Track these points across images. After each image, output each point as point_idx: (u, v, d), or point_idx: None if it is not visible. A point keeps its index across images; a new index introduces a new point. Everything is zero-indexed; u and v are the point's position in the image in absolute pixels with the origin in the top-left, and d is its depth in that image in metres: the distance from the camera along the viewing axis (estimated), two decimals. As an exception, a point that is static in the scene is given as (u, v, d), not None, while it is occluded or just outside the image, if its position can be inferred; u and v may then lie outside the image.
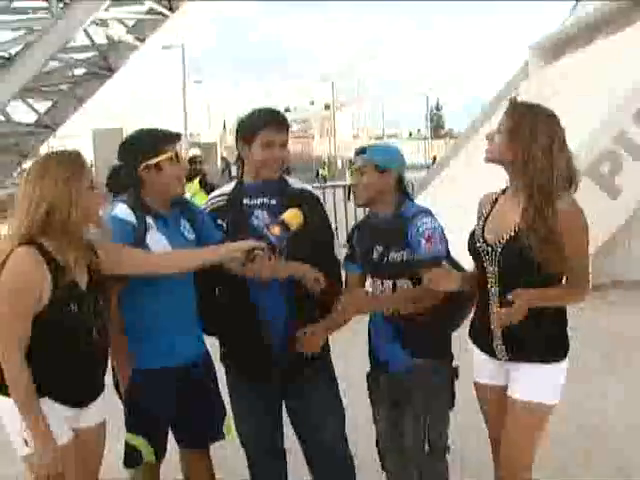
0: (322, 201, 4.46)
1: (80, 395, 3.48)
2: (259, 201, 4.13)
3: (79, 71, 31.19)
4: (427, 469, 3.94)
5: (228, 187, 4.33)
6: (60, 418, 3.38)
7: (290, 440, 4.49)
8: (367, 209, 4.23)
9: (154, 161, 3.83)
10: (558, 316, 3.68)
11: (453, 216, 4.20)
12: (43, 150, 35.95)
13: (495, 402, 3.78)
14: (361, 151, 4.14)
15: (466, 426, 4.06)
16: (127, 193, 3.95)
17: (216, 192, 4.40)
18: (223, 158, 47.70)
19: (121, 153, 3.98)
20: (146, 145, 3.89)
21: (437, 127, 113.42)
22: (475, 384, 3.90)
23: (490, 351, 3.72)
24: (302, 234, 3.84)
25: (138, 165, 3.85)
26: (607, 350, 8.22)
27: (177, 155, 3.90)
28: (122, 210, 3.83)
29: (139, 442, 3.92)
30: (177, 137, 3.99)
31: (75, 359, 3.39)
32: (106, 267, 3.54)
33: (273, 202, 4.11)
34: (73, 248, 3.36)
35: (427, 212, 3.98)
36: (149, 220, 3.86)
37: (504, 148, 3.58)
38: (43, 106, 32.30)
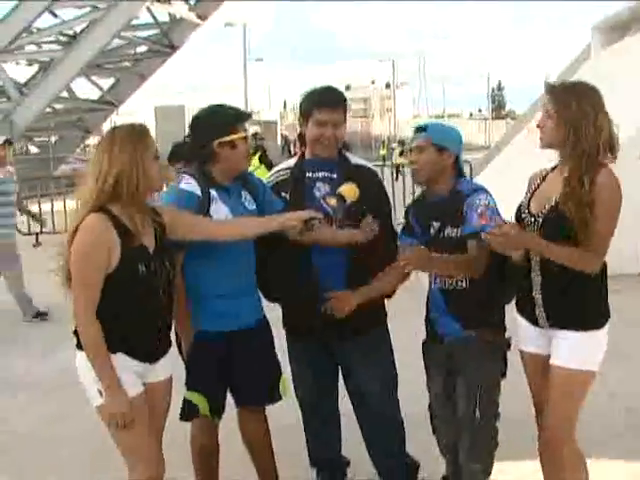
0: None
1: (150, 351, 3.69)
2: (321, 174, 4.33)
3: (141, 49, 31.58)
4: (478, 434, 4.06)
5: (291, 162, 4.54)
6: (132, 372, 3.59)
7: (345, 405, 4.67)
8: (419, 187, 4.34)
9: (229, 138, 4.05)
10: (598, 284, 3.78)
11: (508, 196, 4.30)
12: (106, 126, 36.50)
13: (539, 369, 3.90)
14: (421, 129, 4.23)
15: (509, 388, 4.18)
16: (193, 166, 4.18)
17: (280, 166, 4.63)
18: (283, 136, 47.92)
19: (194, 127, 4.20)
20: (222, 122, 4.11)
21: (498, 107, 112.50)
22: (520, 352, 4.02)
23: (533, 319, 3.85)
24: (360, 206, 4.04)
25: (212, 141, 4.06)
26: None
27: (247, 134, 4.16)
28: (188, 182, 4.05)
29: (195, 397, 4.12)
30: (248, 116, 4.30)
31: (143, 317, 3.59)
32: (171, 232, 3.74)
33: (334, 176, 4.29)
34: (140, 214, 3.58)
35: (483, 189, 4.09)
36: (213, 192, 4.07)
37: (555, 132, 3.70)
38: (106, 83, 32.76)
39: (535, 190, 3.89)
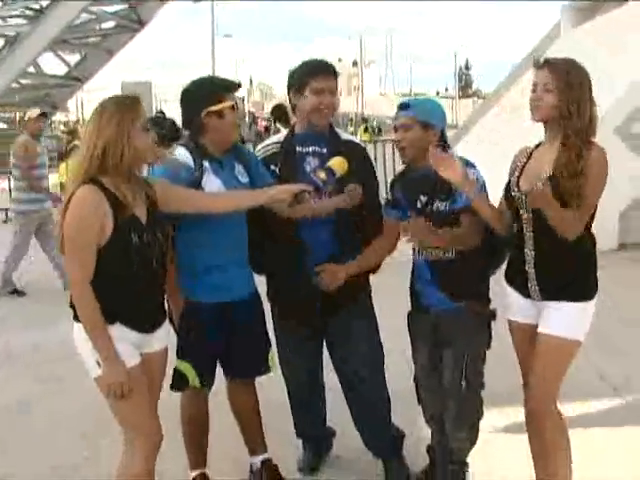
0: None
1: (147, 322, 3.70)
2: (311, 149, 4.35)
3: (109, 24, 31.26)
4: (464, 404, 4.14)
5: (280, 136, 4.58)
6: (129, 342, 3.61)
7: (331, 379, 4.73)
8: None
9: (216, 108, 4.07)
10: (588, 258, 3.89)
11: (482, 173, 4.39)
12: (72, 103, 36.17)
13: (527, 339, 3.98)
14: (404, 106, 4.25)
15: (493, 359, 4.27)
16: (185, 138, 4.21)
17: (269, 140, 4.67)
18: (250, 112, 47.77)
19: (183, 100, 4.22)
20: (209, 92, 4.14)
21: (465, 86, 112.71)
22: (509, 322, 4.10)
23: (524, 291, 3.94)
24: (349, 180, 4.08)
25: (201, 111, 4.08)
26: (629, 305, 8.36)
27: (236, 104, 4.17)
28: (182, 154, 4.07)
29: (185, 367, 4.17)
30: (237, 86, 4.27)
31: (138, 287, 3.61)
32: (163, 205, 3.76)
33: (324, 150, 4.32)
34: (129, 184, 3.59)
35: (471, 164, 4.13)
36: (205, 164, 4.10)
37: (554, 106, 3.75)
38: (73, 59, 32.40)
39: (522, 167, 3.95)
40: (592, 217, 3.80)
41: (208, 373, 4.27)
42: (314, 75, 4.26)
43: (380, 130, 45.29)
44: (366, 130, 32.46)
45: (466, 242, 4.09)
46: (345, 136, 4.55)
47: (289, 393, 4.73)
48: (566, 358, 3.89)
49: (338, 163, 4.03)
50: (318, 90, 4.25)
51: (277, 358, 4.52)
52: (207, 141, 4.13)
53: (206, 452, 4.45)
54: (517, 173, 3.95)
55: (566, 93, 3.71)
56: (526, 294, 3.93)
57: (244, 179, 4.23)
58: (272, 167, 4.38)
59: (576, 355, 3.92)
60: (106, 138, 3.49)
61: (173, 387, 4.24)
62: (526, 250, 3.88)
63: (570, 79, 3.72)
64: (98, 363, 3.54)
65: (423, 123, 4.16)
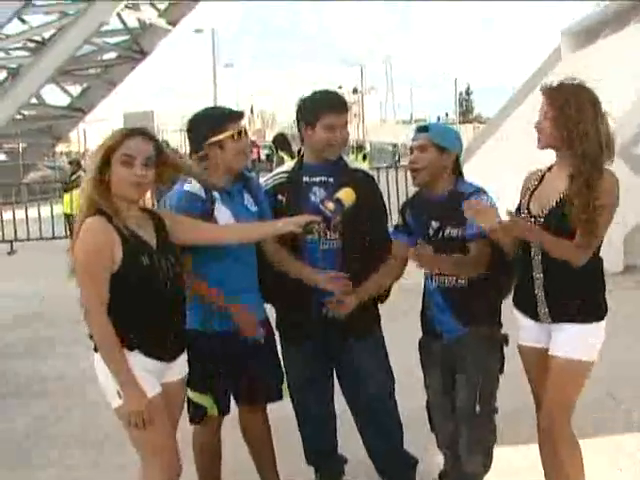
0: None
1: (165, 349, 3.69)
2: (318, 179, 4.37)
3: (111, 55, 31.44)
4: (477, 429, 4.14)
5: (288, 166, 4.59)
6: (150, 372, 3.61)
7: (341, 404, 4.72)
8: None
9: (216, 139, 4.09)
10: (597, 280, 3.91)
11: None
12: (75, 134, 36.32)
13: (538, 362, 3.99)
14: (423, 129, 4.27)
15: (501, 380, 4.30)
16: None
17: (277, 169, 4.69)
18: (252, 142, 47.95)
19: (188, 130, 4.27)
20: (210, 123, 4.16)
21: (466, 111, 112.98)
22: (519, 347, 4.10)
23: (534, 315, 3.94)
24: (357, 210, 4.08)
25: (202, 142, 4.11)
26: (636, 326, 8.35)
27: (239, 133, 4.14)
28: (192, 185, 4.10)
29: (201, 397, 4.17)
30: (240, 115, 4.26)
31: (153, 312, 3.60)
32: (172, 237, 3.77)
33: (331, 180, 4.33)
34: (133, 212, 3.63)
35: (483, 191, 4.15)
36: (215, 194, 4.12)
37: (553, 133, 3.77)
38: (76, 90, 32.57)
39: (534, 191, 3.96)
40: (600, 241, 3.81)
41: (224, 400, 4.28)
42: (327, 111, 4.26)
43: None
44: (364, 158, 32.64)
45: (469, 270, 4.09)
46: (354, 165, 4.58)
47: (299, 422, 4.71)
48: (579, 379, 3.90)
49: (346, 194, 4.03)
50: (331, 126, 4.26)
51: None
52: (214, 171, 4.15)
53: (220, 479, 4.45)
54: (527, 196, 3.97)
55: (562, 120, 3.71)
56: (536, 317, 3.93)
57: (253, 208, 4.25)
58: (279, 197, 4.39)
59: (589, 375, 3.92)
60: (92, 172, 3.56)
61: (193, 421, 4.26)
62: (535, 274, 3.89)
63: (566, 105, 3.71)
64: (119, 393, 3.54)
65: (439, 146, 4.18)
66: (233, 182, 4.23)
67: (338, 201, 3.98)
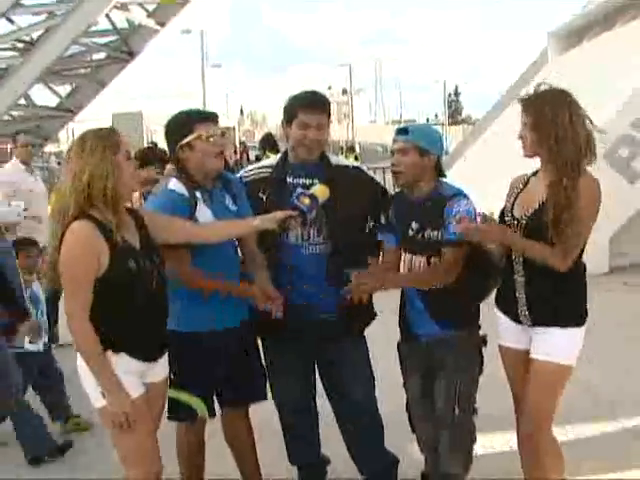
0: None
1: (150, 350, 3.73)
2: (301, 181, 4.38)
3: (100, 55, 31.30)
4: (457, 431, 4.17)
5: (272, 160, 4.61)
6: (133, 373, 3.64)
7: (323, 404, 4.75)
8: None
9: (184, 141, 4.13)
10: (578, 285, 3.95)
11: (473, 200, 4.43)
12: (63, 134, 36.24)
13: (518, 364, 4.04)
14: (403, 131, 4.28)
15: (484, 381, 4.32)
16: (176, 169, 4.26)
17: (262, 162, 4.72)
18: (241, 142, 47.87)
19: (165, 133, 4.30)
20: (179, 126, 4.19)
21: (455, 113, 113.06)
22: (500, 347, 4.14)
23: (515, 317, 3.98)
24: (331, 205, 4.15)
25: (176, 145, 4.16)
26: (623, 326, 8.41)
27: (208, 134, 4.13)
28: (176, 184, 4.13)
29: (190, 399, 4.19)
30: (209, 117, 4.25)
31: (140, 313, 3.63)
32: (153, 236, 3.80)
33: (315, 182, 4.30)
34: (117, 214, 3.61)
35: (463, 194, 4.17)
36: (197, 194, 4.14)
37: (534, 142, 3.81)
38: (64, 90, 32.42)
39: (518, 195, 4.00)
40: (583, 245, 3.84)
41: (211, 402, 4.31)
42: (301, 109, 4.31)
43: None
44: (356, 159, 32.69)
45: (438, 279, 4.12)
46: (335, 160, 4.58)
47: (282, 421, 4.73)
48: (559, 383, 3.94)
49: (321, 190, 4.08)
50: (304, 124, 4.29)
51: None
52: (191, 172, 4.17)
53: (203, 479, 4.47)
54: (512, 200, 4.00)
55: (542, 129, 3.75)
56: (516, 319, 3.97)
57: (233, 207, 4.27)
58: (259, 193, 4.40)
59: (568, 379, 3.96)
60: (90, 169, 3.53)
61: (180, 419, 4.29)
62: (516, 276, 3.93)
63: (540, 109, 3.76)
64: (102, 394, 3.57)
65: (420, 149, 4.18)
66: (213, 183, 4.25)
67: (313, 197, 4.02)
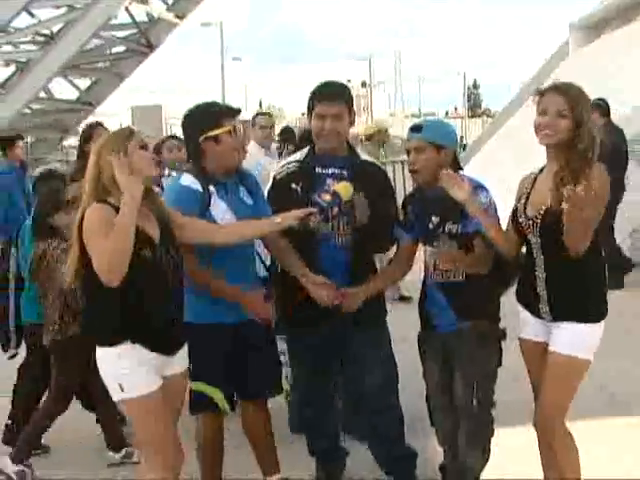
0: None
1: (166, 342, 3.74)
2: (330, 171, 4.39)
3: (119, 49, 31.39)
4: (476, 423, 4.18)
5: (300, 154, 4.61)
6: (150, 365, 3.65)
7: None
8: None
9: (212, 134, 4.12)
10: (598, 281, 3.96)
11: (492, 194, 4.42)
12: (83, 127, 36.44)
13: (538, 357, 4.02)
14: (417, 129, 4.28)
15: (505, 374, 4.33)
16: (190, 163, 4.28)
17: (291, 157, 4.71)
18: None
19: (184, 125, 4.30)
20: (207, 118, 4.19)
21: (474, 106, 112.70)
22: (520, 339, 4.13)
23: (535, 311, 3.98)
24: (363, 203, 4.20)
25: (199, 137, 4.15)
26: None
27: (235, 128, 4.18)
28: (189, 179, 4.14)
29: (213, 391, 4.21)
30: (236, 112, 4.31)
31: (155, 304, 3.65)
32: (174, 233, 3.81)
33: (344, 172, 4.35)
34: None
35: (482, 187, 4.16)
36: (211, 188, 4.15)
37: (568, 130, 3.78)
38: (84, 83, 32.53)
39: (529, 195, 3.98)
40: (601, 238, 3.86)
41: (231, 395, 4.34)
42: (317, 100, 4.35)
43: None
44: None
45: (477, 266, 4.14)
46: (365, 157, 4.61)
47: (302, 411, 4.74)
48: (575, 377, 3.94)
49: (344, 188, 4.08)
50: (320, 116, 4.32)
51: (290, 377, 4.55)
52: (209, 166, 4.18)
53: (221, 474, 4.47)
54: (523, 200, 3.99)
55: (578, 118, 3.75)
56: (537, 314, 3.97)
57: (249, 200, 4.30)
58: (294, 185, 4.41)
59: (585, 374, 3.95)
60: (103, 157, 3.60)
61: (200, 410, 4.29)
62: (537, 273, 3.93)
63: (580, 104, 3.78)
64: (120, 386, 3.60)
65: (436, 145, 4.19)
66: (229, 177, 4.26)
67: (335, 194, 4.02)
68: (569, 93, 3.83)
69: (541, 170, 4.01)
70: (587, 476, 4.05)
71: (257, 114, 9.31)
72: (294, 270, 4.33)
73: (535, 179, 4.01)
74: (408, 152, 4.29)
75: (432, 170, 4.17)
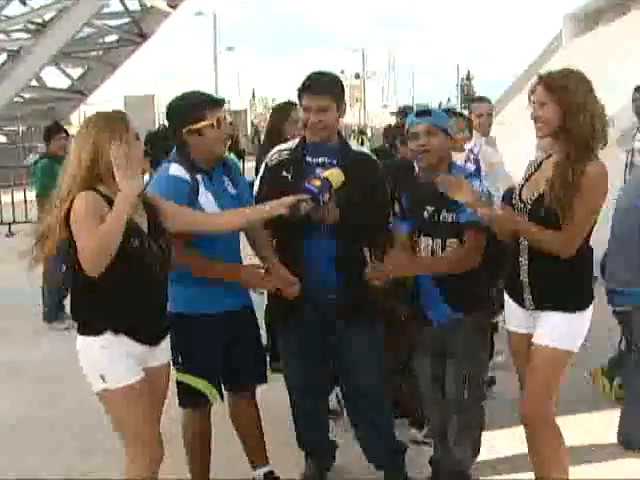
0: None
1: (151, 332, 3.69)
2: (320, 160, 4.34)
3: (112, 38, 31.35)
4: (467, 416, 4.17)
5: (292, 143, 4.56)
6: (133, 356, 3.60)
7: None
8: None
9: (195, 127, 4.06)
10: (582, 269, 3.88)
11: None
12: (75, 116, 36.33)
13: (523, 348, 3.98)
14: (425, 113, 4.26)
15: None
16: (177, 153, 4.20)
17: (282, 146, 4.62)
18: (253, 125, 47.85)
19: (167, 115, 4.27)
20: (190, 110, 4.11)
21: (467, 98, 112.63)
22: (507, 331, 4.11)
23: (520, 301, 3.94)
24: (353, 192, 4.10)
25: (182, 128, 4.09)
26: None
27: (219, 121, 4.10)
28: (177, 169, 4.10)
29: (199, 383, 4.18)
30: (220, 103, 4.23)
31: (141, 294, 3.60)
32: (162, 222, 3.75)
33: (334, 162, 4.29)
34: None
35: (476, 176, 4.14)
36: (198, 177, 4.11)
37: (553, 118, 3.73)
38: (76, 72, 32.48)
39: (528, 178, 3.95)
40: (590, 230, 3.78)
41: (219, 386, 4.30)
42: (303, 92, 4.31)
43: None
44: (362, 143, 32.59)
45: (463, 265, 4.10)
46: (356, 147, 4.58)
47: (292, 402, 4.70)
48: (557, 368, 3.89)
49: (334, 174, 4.02)
50: (305, 107, 4.28)
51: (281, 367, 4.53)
52: (194, 156, 4.14)
53: (209, 467, 4.43)
54: (522, 182, 3.95)
55: (562, 105, 3.69)
56: (521, 303, 3.93)
57: (232, 190, 4.26)
58: (284, 173, 4.37)
59: (568, 364, 3.91)
60: (96, 142, 3.50)
61: (190, 405, 4.27)
62: (521, 259, 3.88)
63: (564, 91, 3.69)
64: (101, 377, 3.54)
65: (444, 130, 4.20)
66: (213, 166, 4.22)
67: (325, 180, 3.96)
68: (549, 81, 3.76)
69: (549, 156, 3.95)
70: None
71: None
72: (267, 261, 4.28)
73: (540, 164, 3.97)
74: (415, 135, 4.21)
75: (441, 154, 4.17)
